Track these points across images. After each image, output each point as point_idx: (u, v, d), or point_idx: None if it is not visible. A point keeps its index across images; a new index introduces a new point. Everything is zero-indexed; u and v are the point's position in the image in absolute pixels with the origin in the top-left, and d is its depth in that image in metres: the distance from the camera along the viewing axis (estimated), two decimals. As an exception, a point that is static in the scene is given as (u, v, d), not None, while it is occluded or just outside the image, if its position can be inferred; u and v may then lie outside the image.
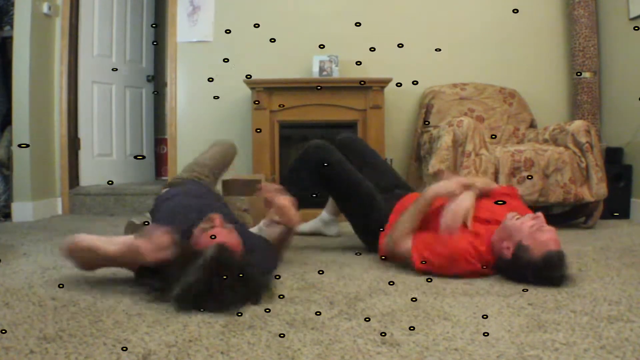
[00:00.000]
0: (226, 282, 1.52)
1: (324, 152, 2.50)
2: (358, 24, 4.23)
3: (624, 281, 1.90)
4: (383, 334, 1.35)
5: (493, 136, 3.76)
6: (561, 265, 1.84)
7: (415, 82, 4.19)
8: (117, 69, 4.75)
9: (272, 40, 4.22)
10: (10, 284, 1.86)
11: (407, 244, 2.09)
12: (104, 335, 1.33)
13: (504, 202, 2.19)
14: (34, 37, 3.74)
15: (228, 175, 3.20)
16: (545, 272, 1.82)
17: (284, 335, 1.33)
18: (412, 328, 1.39)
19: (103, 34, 4.61)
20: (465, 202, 2.07)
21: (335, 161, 2.48)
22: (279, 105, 3.74)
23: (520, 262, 1.86)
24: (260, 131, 3.73)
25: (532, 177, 3.06)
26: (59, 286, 1.83)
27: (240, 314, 1.50)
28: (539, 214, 1.94)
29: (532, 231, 1.87)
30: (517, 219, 1.96)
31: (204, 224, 1.75)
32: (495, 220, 2.08)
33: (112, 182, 4.39)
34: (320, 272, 2.09)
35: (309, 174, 2.50)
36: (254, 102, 3.72)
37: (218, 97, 4.28)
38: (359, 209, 2.44)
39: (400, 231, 2.13)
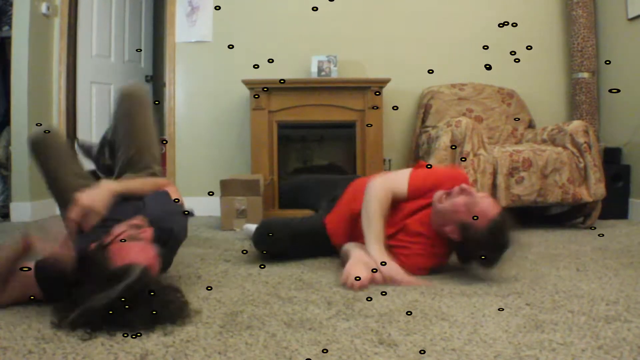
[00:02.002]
0: (142, 309, 1.35)
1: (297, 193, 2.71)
2: (357, 24, 4.24)
3: (622, 281, 1.91)
4: (380, 339, 1.35)
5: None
6: (507, 227, 1.87)
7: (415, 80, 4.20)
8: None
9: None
10: (8, 284, 1.86)
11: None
12: (102, 335, 1.32)
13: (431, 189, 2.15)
14: (33, 38, 3.74)
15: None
16: (497, 239, 1.85)
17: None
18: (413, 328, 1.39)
19: (102, 34, 4.61)
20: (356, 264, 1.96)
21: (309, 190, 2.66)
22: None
23: (471, 241, 1.88)
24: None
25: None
26: None
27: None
28: (465, 186, 1.95)
29: (467, 208, 1.88)
30: (446, 198, 1.96)
31: (131, 230, 1.52)
32: (415, 209, 2.11)
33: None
34: (319, 272, 2.09)
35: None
36: (253, 97, 3.71)
37: (216, 97, 4.28)
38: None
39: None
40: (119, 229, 1.51)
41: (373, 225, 2.03)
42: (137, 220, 1.57)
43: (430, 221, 2.06)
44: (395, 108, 4.17)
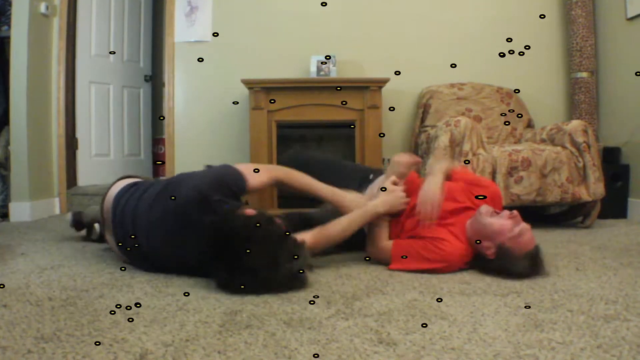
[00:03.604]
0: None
1: (301, 157, 2.65)
2: (356, 24, 4.24)
3: (621, 280, 1.91)
4: (380, 338, 1.35)
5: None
6: (540, 259, 1.98)
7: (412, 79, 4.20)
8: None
9: (271, 43, 4.22)
10: (7, 284, 1.86)
11: (386, 254, 2.17)
12: (101, 334, 1.33)
13: (485, 197, 2.25)
14: (32, 37, 3.74)
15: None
16: (527, 270, 1.94)
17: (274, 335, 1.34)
18: (424, 325, 1.39)
19: (101, 34, 4.60)
20: (435, 191, 2.12)
21: (316, 160, 2.62)
22: (270, 101, 3.71)
23: (504, 263, 1.96)
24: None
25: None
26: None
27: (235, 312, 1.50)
28: (515, 212, 2.02)
29: (513, 235, 1.95)
30: (493, 216, 2.02)
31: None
32: (461, 209, 2.18)
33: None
34: (318, 271, 2.09)
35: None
36: (248, 89, 3.71)
37: (215, 97, 4.28)
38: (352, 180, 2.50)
39: (372, 246, 2.24)
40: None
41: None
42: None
43: (465, 229, 2.12)
44: (392, 109, 4.17)
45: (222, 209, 1.82)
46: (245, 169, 2.02)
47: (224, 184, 1.92)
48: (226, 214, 1.79)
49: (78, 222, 2.84)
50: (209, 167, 2.15)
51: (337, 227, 2.10)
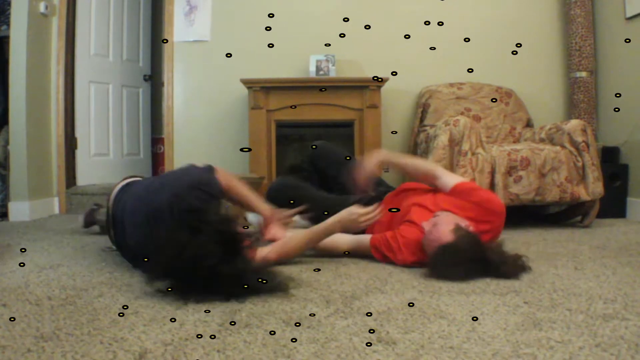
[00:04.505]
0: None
1: (286, 190, 2.70)
2: (359, 26, 4.24)
3: (620, 280, 1.91)
4: (372, 330, 1.35)
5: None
6: (442, 255, 1.92)
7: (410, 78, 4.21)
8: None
9: (270, 45, 4.22)
10: (7, 283, 1.86)
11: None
12: (100, 333, 1.33)
13: (398, 210, 2.35)
14: (31, 37, 3.73)
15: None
16: (447, 263, 1.92)
17: (274, 332, 1.34)
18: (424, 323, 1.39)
19: (100, 33, 4.60)
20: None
21: (299, 195, 2.63)
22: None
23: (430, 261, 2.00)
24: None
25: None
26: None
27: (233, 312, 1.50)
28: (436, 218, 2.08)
29: (426, 234, 2.04)
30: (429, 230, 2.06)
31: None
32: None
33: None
34: (317, 270, 2.09)
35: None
36: (248, 88, 3.71)
37: (215, 96, 4.28)
38: None
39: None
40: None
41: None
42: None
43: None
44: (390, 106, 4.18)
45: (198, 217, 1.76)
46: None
47: (202, 189, 1.92)
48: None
49: (90, 223, 2.99)
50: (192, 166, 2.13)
51: (297, 242, 2.18)
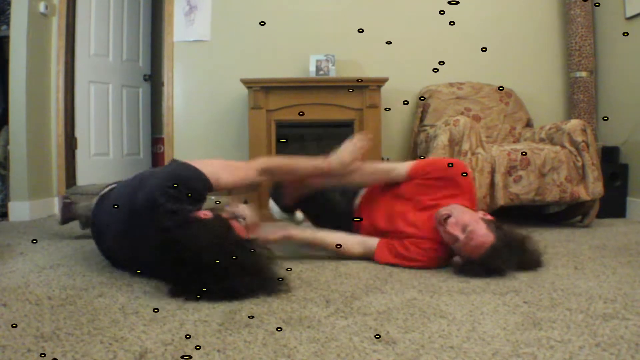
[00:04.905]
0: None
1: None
2: (357, 29, 4.24)
3: (620, 279, 1.91)
4: (377, 336, 1.35)
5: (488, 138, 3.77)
6: (503, 252, 1.93)
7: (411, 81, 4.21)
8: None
9: (270, 45, 4.22)
10: (7, 283, 1.86)
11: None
12: (100, 333, 1.33)
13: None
14: (31, 37, 3.73)
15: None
16: (494, 265, 1.93)
17: (281, 329, 1.34)
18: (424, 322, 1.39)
19: (100, 33, 4.60)
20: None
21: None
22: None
23: (470, 265, 1.97)
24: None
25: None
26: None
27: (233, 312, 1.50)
28: (451, 220, 2.02)
29: (460, 245, 1.98)
30: (442, 224, 2.04)
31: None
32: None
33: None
34: (317, 270, 2.09)
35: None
36: (248, 88, 3.71)
37: (214, 96, 4.28)
38: (328, 220, 2.53)
39: None
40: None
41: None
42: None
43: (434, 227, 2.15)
44: (387, 109, 4.17)
45: (172, 220, 1.71)
46: (213, 166, 1.94)
47: (180, 188, 1.80)
48: (175, 225, 1.69)
49: (68, 219, 2.88)
50: (174, 161, 2.06)
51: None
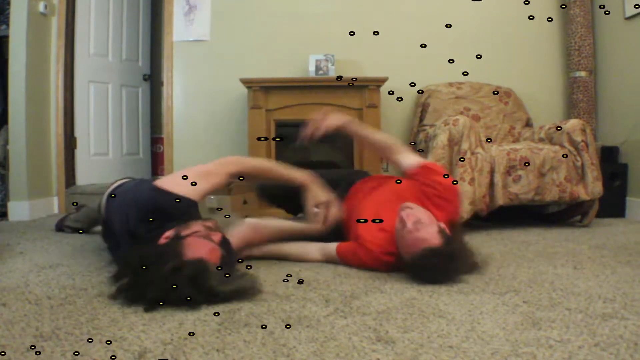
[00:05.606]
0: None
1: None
2: (349, 31, 4.24)
3: (619, 279, 1.91)
4: (378, 337, 1.35)
5: (488, 139, 3.77)
6: (433, 258, 1.82)
7: (412, 84, 4.20)
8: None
9: (270, 45, 4.22)
10: (6, 283, 1.86)
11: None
12: (100, 333, 1.33)
13: (366, 221, 2.19)
14: (30, 36, 3.73)
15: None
16: (427, 271, 1.85)
17: (290, 326, 1.34)
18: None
19: (99, 33, 4.60)
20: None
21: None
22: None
23: (405, 264, 1.93)
24: (266, 139, 3.73)
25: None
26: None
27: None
28: (406, 214, 1.95)
29: (401, 235, 1.92)
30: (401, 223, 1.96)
31: (204, 230, 1.71)
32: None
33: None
34: (316, 270, 2.09)
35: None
36: (247, 88, 3.71)
37: (214, 96, 4.28)
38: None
39: None
40: (195, 226, 1.71)
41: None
42: (211, 223, 1.77)
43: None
44: (400, 99, 4.17)
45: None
46: (190, 180, 1.91)
47: (163, 217, 1.79)
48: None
49: (59, 230, 3.09)
50: (132, 179, 2.08)
51: (268, 232, 2.21)
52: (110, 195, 2.16)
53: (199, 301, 1.54)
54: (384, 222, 2.11)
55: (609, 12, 3.94)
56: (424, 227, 1.87)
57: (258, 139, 3.71)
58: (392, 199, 2.20)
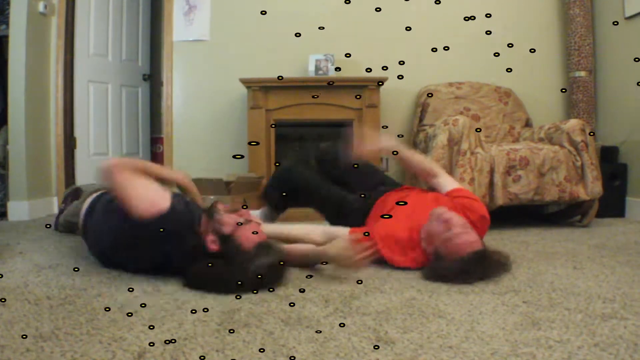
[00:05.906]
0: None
1: (291, 174, 2.65)
2: (349, 31, 4.24)
3: (619, 279, 1.91)
4: (377, 337, 1.35)
5: (477, 130, 3.77)
6: (478, 264, 1.89)
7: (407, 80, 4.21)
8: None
9: (270, 45, 4.22)
10: (6, 283, 1.86)
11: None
12: (99, 333, 1.33)
13: (405, 203, 2.27)
14: (30, 36, 3.73)
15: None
16: (462, 271, 1.87)
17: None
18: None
19: (99, 33, 4.60)
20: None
21: (302, 183, 2.61)
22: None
23: (439, 265, 1.95)
24: (258, 144, 3.74)
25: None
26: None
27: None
28: (448, 216, 1.99)
29: (443, 239, 1.96)
30: (433, 221, 2.03)
31: (236, 215, 1.86)
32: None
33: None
34: (316, 270, 2.09)
35: (281, 196, 2.69)
36: (247, 88, 3.71)
37: (214, 96, 4.28)
38: (334, 216, 2.56)
39: None
40: (223, 218, 1.84)
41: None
42: (222, 206, 1.91)
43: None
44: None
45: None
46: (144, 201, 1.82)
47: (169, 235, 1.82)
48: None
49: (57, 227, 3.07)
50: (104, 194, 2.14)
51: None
52: (88, 211, 2.20)
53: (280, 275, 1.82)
54: (400, 231, 2.16)
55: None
56: (470, 230, 1.96)
57: (249, 143, 3.72)
58: (429, 203, 2.24)
